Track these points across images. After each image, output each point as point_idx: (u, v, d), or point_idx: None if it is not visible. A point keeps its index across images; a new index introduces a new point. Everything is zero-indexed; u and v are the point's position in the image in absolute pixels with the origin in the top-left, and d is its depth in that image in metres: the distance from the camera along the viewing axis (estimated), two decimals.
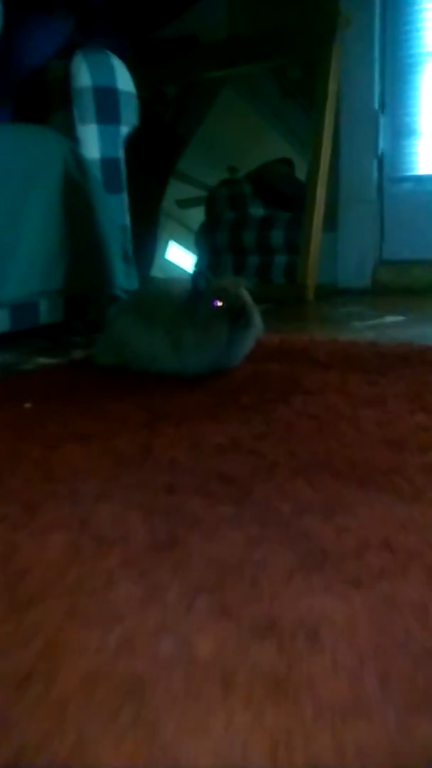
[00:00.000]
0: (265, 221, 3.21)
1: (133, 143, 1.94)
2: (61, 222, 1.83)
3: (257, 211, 3.39)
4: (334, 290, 2.80)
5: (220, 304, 1.32)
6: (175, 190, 4.14)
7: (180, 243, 4.08)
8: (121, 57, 2.02)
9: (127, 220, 2.05)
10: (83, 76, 1.91)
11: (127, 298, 1.66)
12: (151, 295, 1.50)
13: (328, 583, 0.54)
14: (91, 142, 1.95)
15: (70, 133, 1.90)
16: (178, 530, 0.65)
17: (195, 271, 1.38)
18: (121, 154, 2.02)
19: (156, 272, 3.59)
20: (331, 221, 2.80)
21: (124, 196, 2.04)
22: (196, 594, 0.53)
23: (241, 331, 1.34)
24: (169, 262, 3.81)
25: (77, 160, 1.87)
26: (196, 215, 3.78)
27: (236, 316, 1.31)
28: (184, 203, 4.24)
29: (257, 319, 1.37)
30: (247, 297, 1.36)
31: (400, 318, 2.06)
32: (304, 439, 0.99)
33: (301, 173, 3.62)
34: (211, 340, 1.33)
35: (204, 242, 3.66)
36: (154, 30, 3.15)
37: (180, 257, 3.81)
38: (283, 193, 3.53)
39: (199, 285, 1.35)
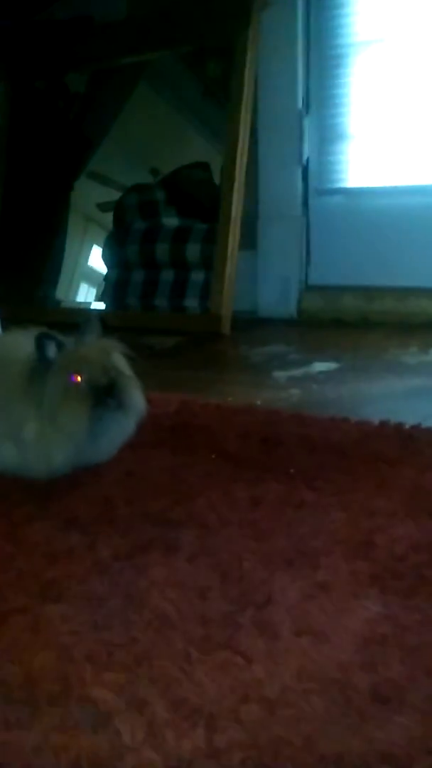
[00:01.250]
0: (180, 232, 2.82)
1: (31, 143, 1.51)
2: None
3: (171, 221, 3.02)
4: (254, 319, 2.40)
5: (78, 379, 0.92)
6: (95, 192, 3.76)
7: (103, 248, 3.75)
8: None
9: None
10: None
11: None
12: None
13: None
14: None
15: None
16: None
17: (39, 334, 0.94)
18: None
19: (74, 281, 3.32)
20: (249, 238, 2.40)
21: None
22: None
23: (108, 417, 0.96)
24: (92, 268, 3.42)
25: None
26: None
27: (102, 395, 0.94)
28: (105, 206, 3.85)
29: (135, 398, 0.99)
30: (120, 368, 0.98)
31: (332, 365, 1.68)
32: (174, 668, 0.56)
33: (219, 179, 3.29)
34: (63, 430, 0.94)
35: (111, 256, 3.26)
36: (39, 10, 2.68)
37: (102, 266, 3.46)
38: (199, 201, 3.15)
39: (46, 353, 0.92)
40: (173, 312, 2.52)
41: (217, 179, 3.25)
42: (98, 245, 3.62)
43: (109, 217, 3.74)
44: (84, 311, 2.89)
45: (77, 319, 1.01)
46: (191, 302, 2.64)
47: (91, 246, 3.62)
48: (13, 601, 0.69)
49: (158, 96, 3.68)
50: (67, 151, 3.39)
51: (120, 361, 1.00)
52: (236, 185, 2.24)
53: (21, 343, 1.01)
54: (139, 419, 1.01)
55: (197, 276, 2.76)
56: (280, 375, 1.60)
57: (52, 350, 0.95)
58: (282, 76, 2.30)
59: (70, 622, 0.65)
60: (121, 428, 0.99)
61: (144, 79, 3.46)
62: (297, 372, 1.62)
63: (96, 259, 3.36)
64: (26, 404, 0.95)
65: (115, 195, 3.73)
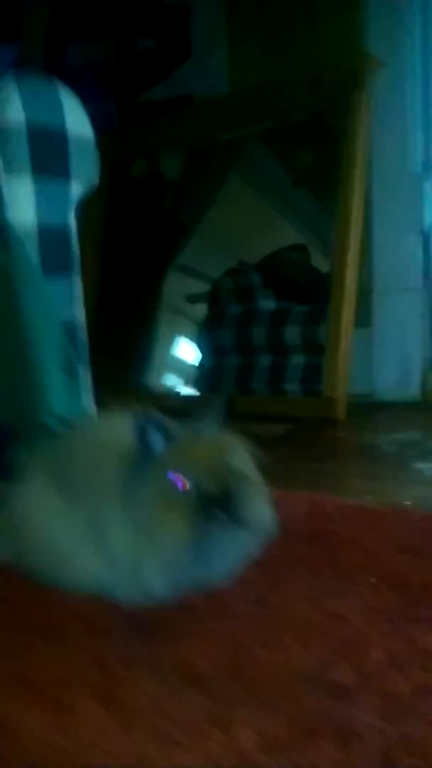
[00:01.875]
0: (278, 315, 2.70)
1: (127, 232, 1.38)
2: None
3: (268, 304, 2.89)
4: (372, 404, 2.12)
5: (184, 483, 0.68)
6: (184, 285, 3.72)
7: (190, 339, 3.68)
8: (105, 124, 1.44)
9: (78, 313, 1.40)
10: (13, 108, 1.31)
11: (48, 447, 0.97)
12: (80, 450, 0.82)
13: None
14: (23, 202, 1.32)
15: None
16: None
17: (141, 419, 0.71)
18: (70, 221, 1.39)
19: (158, 372, 3.23)
20: (364, 315, 2.16)
21: (75, 281, 1.40)
22: None
23: (219, 534, 0.71)
24: (177, 358, 3.37)
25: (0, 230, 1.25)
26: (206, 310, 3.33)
27: (211, 506, 0.70)
28: (194, 298, 3.81)
29: (259, 512, 0.74)
30: (241, 471, 0.74)
31: None
32: None
33: (317, 262, 3.14)
34: (159, 546, 0.71)
35: (206, 341, 3.13)
36: (141, 91, 2.65)
37: (189, 354, 3.37)
38: (297, 283, 3.01)
39: (149, 443, 0.70)
40: (276, 395, 2.29)
41: (314, 262, 3.12)
42: (185, 336, 3.57)
43: (197, 310, 3.69)
44: (201, 397, 2.73)
45: (187, 405, 0.79)
46: (291, 387, 2.44)
47: (179, 337, 3.57)
48: None
49: (248, 187, 3.65)
50: (161, 239, 3.36)
51: (244, 462, 0.76)
52: (350, 255, 2.03)
53: (120, 428, 0.79)
54: (264, 537, 0.75)
55: (297, 360, 2.58)
56: (424, 467, 1.31)
57: (157, 441, 0.72)
58: (397, 136, 2.12)
59: None
60: (238, 546, 0.74)
61: (235, 170, 3.44)
62: None
63: (183, 350, 3.31)
64: (119, 507, 0.72)
65: (203, 287, 3.69)
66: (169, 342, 3.76)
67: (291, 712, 0.54)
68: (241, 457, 0.76)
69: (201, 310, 3.42)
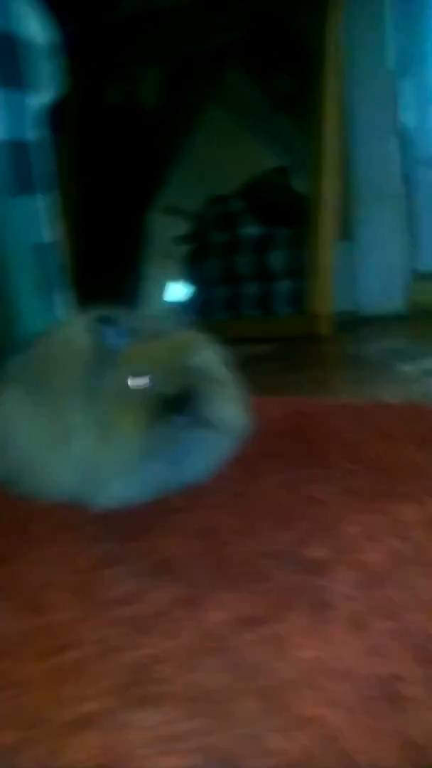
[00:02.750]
0: (262, 241, 2.65)
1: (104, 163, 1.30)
2: None
3: (251, 230, 2.83)
4: (357, 320, 2.08)
5: (140, 382, 0.66)
6: (170, 226, 3.62)
7: (179, 280, 3.63)
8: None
9: (48, 235, 1.34)
10: None
11: (19, 358, 0.95)
12: (44, 354, 0.80)
13: None
14: None
15: None
16: None
17: (96, 318, 0.70)
18: (31, 135, 1.32)
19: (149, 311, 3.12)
20: (345, 229, 2.10)
21: (42, 200, 1.34)
22: None
23: (178, 435, 0.69)
24: (169, 302, 3.31)
25: None
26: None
27: (167, 409, 0.67)
28: (183, 239, 3.71)
29: (224, 412, 0.71)
30: (205, 369, 0.72)
31: None
32: None
33: (297, 186, 3.06)
34: (116, 449, 0.68)
35: (193, 275, 3.07)
36: (110, 8, 2.52)
37: (179, 294, 3.31)
38: (279, 206, 2.94)
39: (107, 341, 0.69)
40: (263, 317, 2.26)
41: (295, 186, 3.04)
42: (175, 279, 3.49)
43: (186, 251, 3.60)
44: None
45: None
46: (280, 311, 2.40)
47: (169, 280, 3.50)
48: (74, 706, 0.42)
49: (227, 114, 3.53)
50: (142, 170, 3.25)
51: (209, 361, 0.73)
52: (326, 164, 1.95)
53: (82, 329, 0.76)
54: (235, 436, 0.73)
55: (283, 286, 2.52)
56: (408, 368, 1.29)
57: (116, 339, 0.69)
58: (373, 34, 2.01)
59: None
60: (206, 446, 0.72)
61: (213, 99, 3.31)
62: (428, 364, 1.31)
63: (173, 292, 3.22)
64: (79, 408, 0.70)
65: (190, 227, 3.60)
66: (160, 285, 3.70)
67: (263, 590, 0.53)
68: (206, 357, 0.73)
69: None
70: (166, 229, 3.64)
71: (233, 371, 0.77)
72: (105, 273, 3.09)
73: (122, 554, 0.62)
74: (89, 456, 0.68)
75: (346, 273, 2.14)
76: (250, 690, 0.41)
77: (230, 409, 0.73)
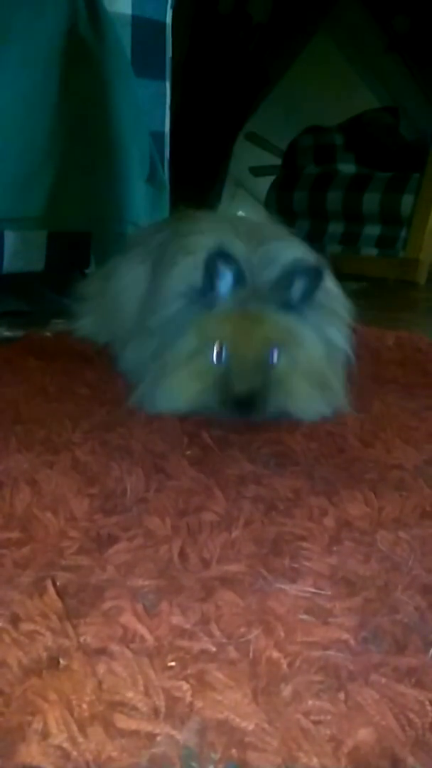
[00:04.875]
0: (358, 180, 2.50)
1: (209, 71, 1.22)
2: (54, 106, 1.12)
3: (348, 167, 2.69)
4: None
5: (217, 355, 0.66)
6: (249, 155, 3.49)
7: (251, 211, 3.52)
8: None
9: (167, 124, 1.31)
10: None
11: (140, 234, 0.92)
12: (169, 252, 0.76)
13: None
14: None
15: None
16: None
17: (214, 253, 0.64)
18: (167, 18, 1.27)
19: None
20: None
21: (167, 87, 1.30)
22: None
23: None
24: None
25: (94, 13, 1.14)
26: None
27: (229, 405, 0.65)
28: (259, 170, 3.59)
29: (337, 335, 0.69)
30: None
31: None
32: None
33: (404, 129, 2.91)
34: (166, 394, 0.67)
35: (277, 203, 2.95)
36: None
37: None
38: (384, 146, 2.80)
39: (214, 283, 0.66)
40: (350, 254, 2.18)
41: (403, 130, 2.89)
42: (244, 211, 3.38)
43: (260, 184, 3.45)
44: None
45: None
46: (365, 251, 2.31)
47: (238, 209, 3.41)
48: (217, 565, 0.41)
49: (336, 48, 3.35)
50: (243, 85, 3.12)
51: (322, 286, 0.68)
52: None
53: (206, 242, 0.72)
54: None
55: (372, 230, 2.41)
56: None
57: (225, 282, 0.65)
58: None
59: None
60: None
61: (325, 28, 3.14)
62: None
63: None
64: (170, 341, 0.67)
65: (270, 160, 3.44)
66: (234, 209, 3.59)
67: (402, 498, 0.51)
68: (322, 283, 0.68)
69: (264, 183, 3.22)
70: (246, 157, 3.51)
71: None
72: (191, 182, 3.03)
73: (236, 441, 0.61)
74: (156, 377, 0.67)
75: None
76: (406, 583, 0.40)
77: (340, 333, 0.70)
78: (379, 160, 2.70)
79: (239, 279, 0.65)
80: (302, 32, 3.06)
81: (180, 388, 0.66)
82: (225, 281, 0.65)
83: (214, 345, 0.65)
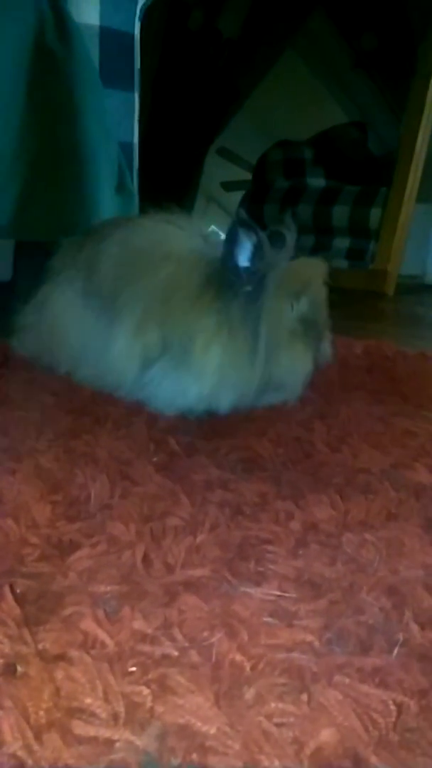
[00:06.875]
0: (327, 194, 2.52)
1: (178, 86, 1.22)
2: (22, 117, 1.10)
3: (318, 181, 2.72)
4: (421, 285, 2.03)
5: (296, 309, 0.68)
6: (220, 170, 3.51)
7: (223, 229, 3.54)
8: None
9: (134, 137, 1.31)
10: None
11: (79, 239, 0.91)
12: (139, 248, 0.75)
13: None
14: (88, 1, 1.21)
15: None
16: None
17: (237, 220, 0.65)
18: (135, 30, 1.27)
19: None
20: (423, 191, 2.02)
21: (135, 99, 1.30)
22: None
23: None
24: None
25: (61, 24, 1.13)
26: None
27: (313, 336, 0.69)
28: (230, 186, 3.61)
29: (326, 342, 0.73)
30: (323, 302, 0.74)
31: None
32: None
33: (372, 144, 2.95)
34: (290, 372, 0.66)
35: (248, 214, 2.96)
36: None
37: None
38: (352, 161, 2.84)
39: (238, 257, 0.65)
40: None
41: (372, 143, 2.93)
42: (217, 228, 3.38)
43: (231, 198, 3.47)
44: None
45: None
46: (335, 263, 2.33)
47: (211, 227, 3.40)
48: (181, 569, 0.41)
49: (305, 63, 3.40)
50: (213, 100, 3.14)
51: (323, 293, 0.72)
52: (423, 125, 1.87)
53: (175, 233, 0.72)
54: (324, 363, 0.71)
55: (342, 243, 2.44)
56: None
57: (245, 252, 0.65)
58: None
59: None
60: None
61: (293, 45, 3.18)
62: None
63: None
64: (203, 321, 0.65)
65: (241, 175, 3.47)
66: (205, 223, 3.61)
67: (369, 501, 0.51)
68: (321, 288, 0.71)
69: (236, 198, 3.23)
70: (217, 172, 3.54)
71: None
72: (161, 192, 3.03)
73: (203, 447, 0.61)
74: (219, 368, 0.64)
75: (418, 237, 2.07)
76: (371, 584, 0.40)
77: (329, 338, 0.72)
78: (348, 174, 2.73)
79: (259, 247, 0.64)
80: (272, 48, 3.09)
81: (300, 363, 0.67)
82: (245, 251, 0.65)
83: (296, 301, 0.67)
